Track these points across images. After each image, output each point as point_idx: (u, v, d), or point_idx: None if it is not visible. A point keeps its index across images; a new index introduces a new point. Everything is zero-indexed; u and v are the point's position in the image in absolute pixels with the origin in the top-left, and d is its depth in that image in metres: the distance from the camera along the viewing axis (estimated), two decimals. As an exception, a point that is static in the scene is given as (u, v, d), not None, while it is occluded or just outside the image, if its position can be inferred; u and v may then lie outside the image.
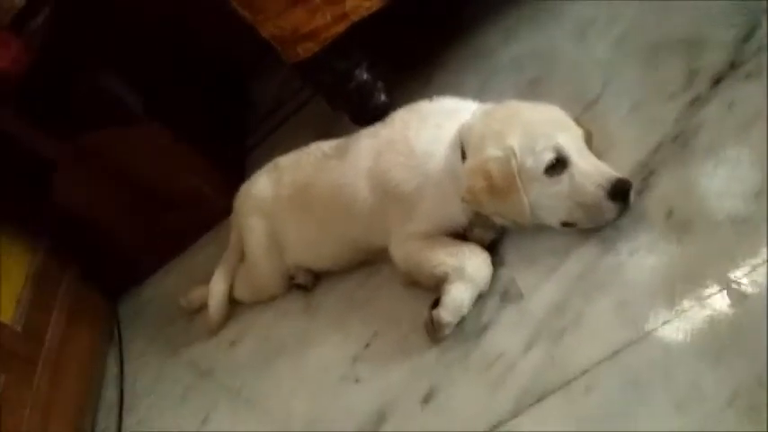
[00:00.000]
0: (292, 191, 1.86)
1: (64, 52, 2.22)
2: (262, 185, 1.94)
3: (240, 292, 2.03)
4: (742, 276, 1.19)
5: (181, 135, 2.37)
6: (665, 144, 1.45)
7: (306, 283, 1.90)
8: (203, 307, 2.07)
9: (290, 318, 1.90)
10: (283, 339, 1.86)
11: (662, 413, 1.11)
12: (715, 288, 1.20)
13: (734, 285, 1.19)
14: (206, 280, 2.07)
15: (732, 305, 1.17)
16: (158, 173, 2.34)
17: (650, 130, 1.49)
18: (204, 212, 2.39)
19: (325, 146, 1.85)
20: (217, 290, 2.02)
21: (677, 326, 1.20)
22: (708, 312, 1.19)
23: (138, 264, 2.48)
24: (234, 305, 2.05)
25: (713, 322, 1.18)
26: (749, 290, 1.17)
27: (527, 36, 1.98)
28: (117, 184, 2.32)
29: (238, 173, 2.25)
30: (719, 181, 1.33)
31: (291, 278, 1.92)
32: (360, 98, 1.96)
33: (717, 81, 1.46)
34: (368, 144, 1.70)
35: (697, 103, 1.46)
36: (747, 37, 1.48)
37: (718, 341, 1.15)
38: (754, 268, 1.18)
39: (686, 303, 1.22)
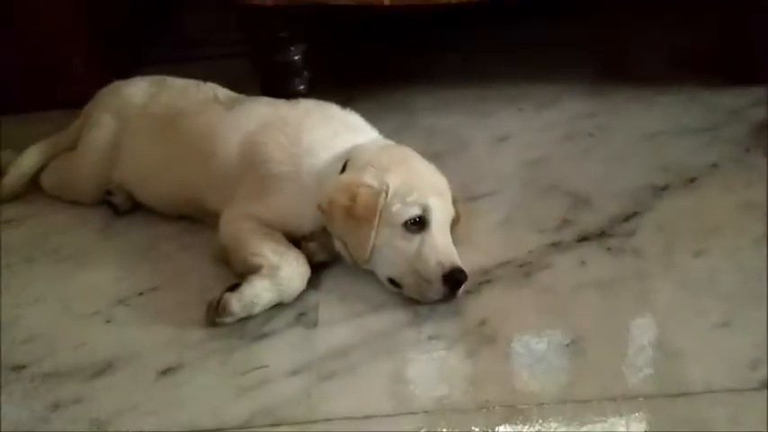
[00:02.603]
0: (163, 112, 1.71)
1: None
2: (136, 90, 1.78)
3: (49, 180, 1.82)
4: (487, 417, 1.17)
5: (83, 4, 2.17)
6: (511, 265, 1.48)
7: (120, 205, 1.73)
8: (1, 172, 1.83)
9: (82, 229, 1.72)
10: (62, 246, 1.67)
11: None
12: (483, 407, 1.18)
13: (504, 409, 1.17)
14: (21, 150, 1.84)
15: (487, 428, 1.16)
16: (39, 23, 2.12)
17: (507, 247, 1.52)
18: (62, 90, 2.15)
19: (221, 91, 1.74)
20: (25, 161, 1.81)
21: (433, 422, 1.16)
22: (464, 425, 1.17)
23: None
24: (33, 190, 1.83)
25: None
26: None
27: (454, 117, 2.03)
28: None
29: (120, 74, 2.06)
30: (537, 320, 1.36)
31: (108, 193, 1.73)
32: (281, 73, 1.89)
33: (582, 239, 1.53)
34: (262, 110, 1.62)
35: (556, 247, 1.52)
36: (627, 217, 1.58)
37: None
38: (521, 407, 1.18)
39: (450, 407, 1.19)
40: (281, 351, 1.33)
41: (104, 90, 1.84)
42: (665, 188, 1.67)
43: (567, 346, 1.29)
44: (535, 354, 1.28)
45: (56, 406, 1.24)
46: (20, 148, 1.86)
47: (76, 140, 1.81)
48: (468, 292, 1.40)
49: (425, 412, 1.19)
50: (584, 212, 1.61)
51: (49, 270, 1.59)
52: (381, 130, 1.66)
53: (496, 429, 1.15)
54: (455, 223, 1.48)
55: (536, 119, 2.01)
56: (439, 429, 1.15)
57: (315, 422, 1.18)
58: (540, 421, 1.14)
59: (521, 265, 1.47)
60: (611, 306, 1.37)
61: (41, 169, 1.83)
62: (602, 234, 1.54)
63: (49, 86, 2.19)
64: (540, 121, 1.99)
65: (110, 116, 1.76)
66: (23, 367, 1.33)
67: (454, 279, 1.36)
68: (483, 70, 2.24)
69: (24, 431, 1.21)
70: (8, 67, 2.16)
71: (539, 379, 1.23)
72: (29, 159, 1.81)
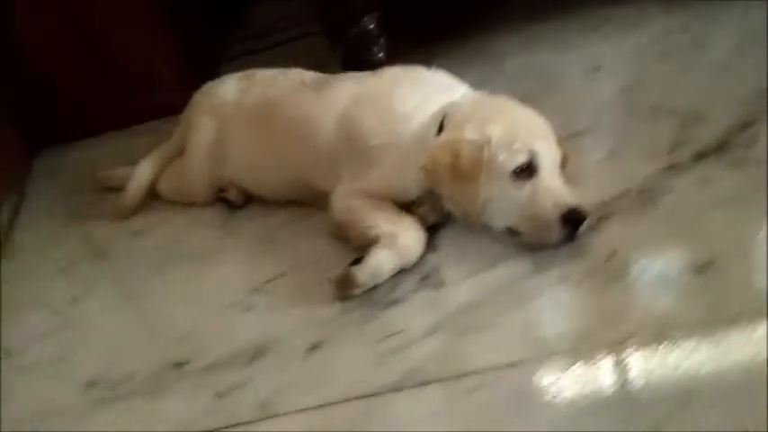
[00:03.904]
0: (257, 105, 1.77)
1: None
2: (228, 88, 1.84)
3: (164, 187, 1.92)
4: (653, 342, 1.17)
5: (162, 14, 2.25)
6: (629, 195, 1.45)
7: (235, 200, 1.81)
8: (120, 188, 1.95)
9: (204, 229, 1.81)
10: (189, 247, 1.77)
11: (536, 432, 1.09)
12: (624, 342, 1.19)
13: (643, 346, 1.17)
14: (134, 163, 1.94)
15: (633, 364, 1.16)
16: (125, 41, 2.21)
17: (621, 178, 1.49)
18: (157, 98, 2.24)
19: (307, 75, 1.77)
20: (141, 174, 1.90)
21: (575, 363, 1.18)
22: (607, 362, 1.17)
23: (72, 122, 2.32)
24: (152, 198, 1.93)
25: (607, 374, 1.16)
26: (654, 356, 1.15)
27: (541, 54, 1.97)
28: (76, 30, 2.17)
29: (207, 74, 2.13)
30: (668, 245, 1.33)
31: (221, 190, 1.82)
32: (359, 45, 1.90)
33: (699, 157, 1.48)
34: (350, 87, 1.64)
35: (674, 170, 1.47)
36: (744, 127, 1.51)
37: (602, 393, 1.14)
38: (666, 338, 1.17)
39: (591, 346, 1.19)
40: (413, 314, 1.37)
41: (198, 94, 1.91)
42: (784, 88, 1.57)
43: (703, 266, 1.26)
44: (671, 279, 1.26)
45: (220, 395, 1.33)
46: (131, 162, 1.96)
47: (182, 146, 1.90)
48: (589, 228, 1.38)
49: (570, 349, 1.20)
50: (696, 129, 1.54)
51: (184, 271, 1.68)
52: (469, 82, 1.64)
53: (651, 353, 1.14)
54: (564, 164, 1.46)
55: (625, 42, 1.93)
56: (584, 371, 1.16)
57: (464, 376, 1.21)
58: (693, 343, 1.13)
59: (639, 194, 1.44)
60: (741, 221, 1.32)
61: (156, 179, 1.93)
62: (719, 148, 1.48)
63: (144, 99, 2.29)
64: (630, 44, 1.91)
65: (208, 117, 1.84)
66: (183, 364, 1.42)
67: (574, 218, 1.35)
68: (559, 2, 2.16)
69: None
70: (105, 88, 2.27)
71: (680, 303, 1.21)
72: (143, 172, 1.91)
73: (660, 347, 1.15)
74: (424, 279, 1.44)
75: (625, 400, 1.11)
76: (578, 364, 1.18)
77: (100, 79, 2.24)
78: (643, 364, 1.14)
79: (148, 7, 2.19)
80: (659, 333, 1.17)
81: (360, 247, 1.47)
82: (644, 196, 1.43)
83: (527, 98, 1.62)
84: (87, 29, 2.17)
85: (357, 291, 1.42)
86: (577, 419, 1.10)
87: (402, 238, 1.44)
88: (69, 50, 2.20)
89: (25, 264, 1.87)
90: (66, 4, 2.11)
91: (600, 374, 1.16)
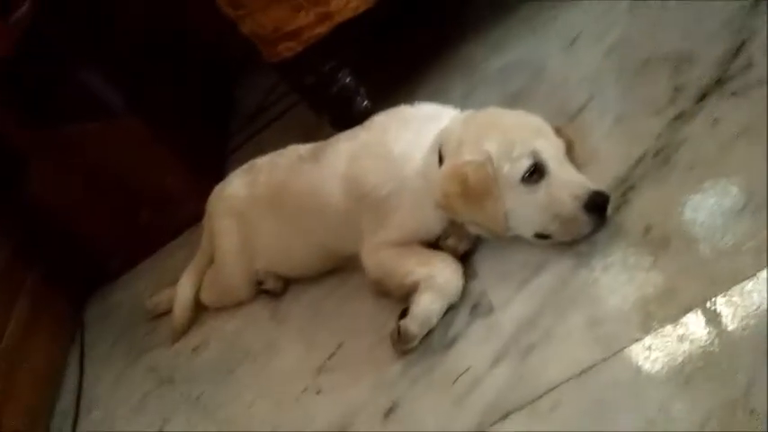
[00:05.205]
0: (266, 193, 1.80)
1: (46, 43, 2.17)
2: (236, 186, 1.88)
3: (207, 296, 1.96)
4: (717, 298, 1.13)
5: (160, 135, 2.33)
6: (646, 159, 1.41)
7: (275, 288, 1.83)
8: (169, 311, 2.00)
9: (255, 325, 1.83)
10: (248, 347, 1.79)
11: (629, 434, 1.05)
12: (690, 309, 1.15)
13: (708, 307, 1.13)
14: (175, 283, 2.00)
15: (705, 328, 1.12)
16: (133, 172, 2.30)
17: (632, 144, 1.45)
18: (178, 215, 2.34)
19: (302, 149, 1.80)
20: (182, 294, 1.95)
21: (648, 346, 1.14)
22: (680, 334, 1.13)
23: (108, 264, 2.42)
24: (200, 310, 1.98)
25: (686, 344, 1.12)
26: (724, 312, 1.11)
27: (514, 47, 1.95)
28: (90, 180, 2.28)
29: (216, 176, 2.19)
30: (700, 199, 1.29)
31: (260, 283, 1.85)
32: (341, 102, 1.92)
33: (702, 97, 1.43)
34: (344, 147, 1.65)
35: (681, 119, 1.43)
36: (736, 53, 1.45)
37: (690, 364, 1.09)
38: (730, 291, 1.12)
39: (659, 324, 1.16)
40: (474, 348, 1.35)
41: (211, 199, 1.96)
42: (758, 1, 1.51)
43: (745, 208, 1.21)
44: (717, 231, 1.21)
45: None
46: (172, 282, 2.02)
47: (212, 253, 1.94)
48: (616, 208, 1.35)
49: (637, 341, 1.16)
50: (690, 70, 1.49)
51: (249, 372, 1.71)
52: (457, 97, 1.64)
53: (718, 319, 1.10)
54: (570, 150, 1.43)
55: (592, 7, 1.88)
56: (661, 350, 1.12)
57: (540, 397, 1.18)
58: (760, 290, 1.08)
59: (656, 155, 1.40)
60: (765, 146, 1.26)
61: (198, 292, 1.97)
62: (719, 83, 1.43)
63: (165, 220, 2.37)
64: (597, 7, 1.86)
65: (225, 219, 1.88)
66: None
67: (596, 203, 1.32)
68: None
69: None
70: (127, 223, 2.37)
71: (735, 255, 1.16)
72: (184, 290, 1.96)
73: (728, 304, 1.10)
74: (475, 308, 1.42)
75: (726, 346, 1.07)
76: (650, 351, 1.13)
77: (121, 217, 2.34)
78: (730, 310, 1.10)
79: (152, 138, 2.28)
80: (733, 277, 1.12)
81: (403, 297, 1.47)
82: (661, 155, 1.39)
83: (518, 95, 1.60)
84: (103, 180, 2.27)
85: (414, 342, 1.41)
86: (682, 386, 1.06)
87: (440, 277, 1.43)
88: (93, 206, 2.31)
89: (103, 414, 1.92)
90: (78, 161, 2.21)
91: (689, 335, 1.12)
